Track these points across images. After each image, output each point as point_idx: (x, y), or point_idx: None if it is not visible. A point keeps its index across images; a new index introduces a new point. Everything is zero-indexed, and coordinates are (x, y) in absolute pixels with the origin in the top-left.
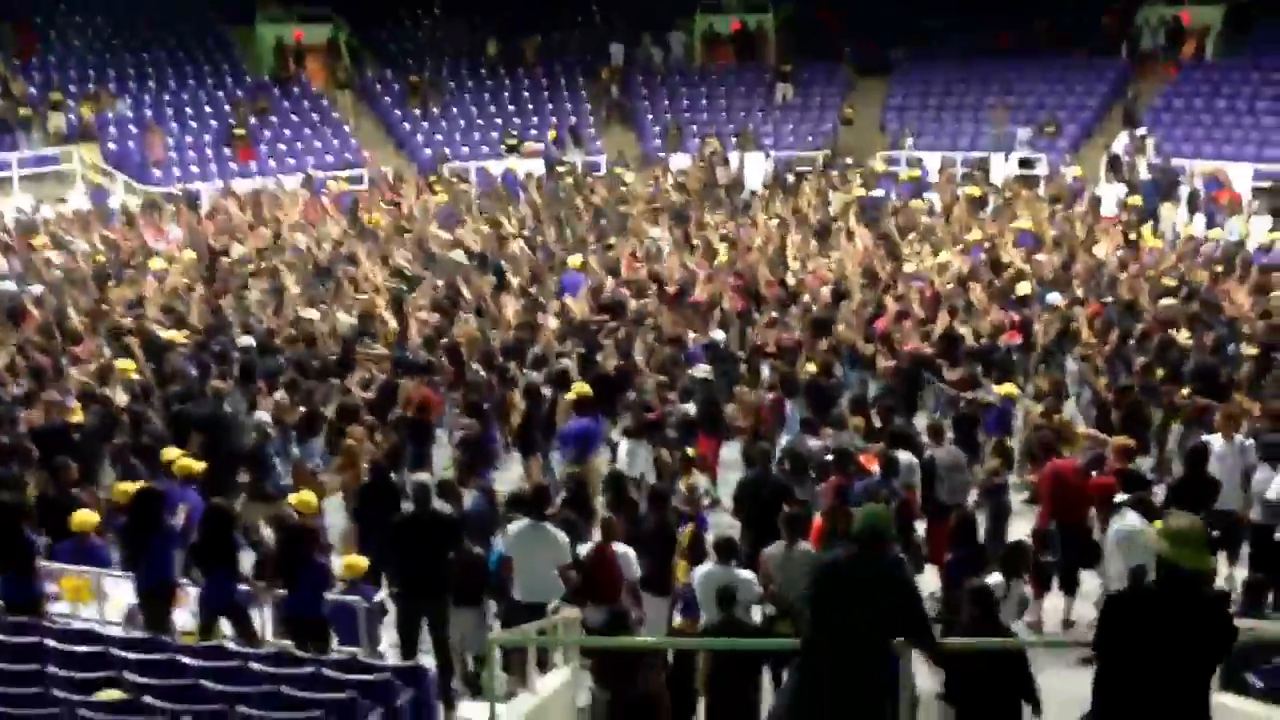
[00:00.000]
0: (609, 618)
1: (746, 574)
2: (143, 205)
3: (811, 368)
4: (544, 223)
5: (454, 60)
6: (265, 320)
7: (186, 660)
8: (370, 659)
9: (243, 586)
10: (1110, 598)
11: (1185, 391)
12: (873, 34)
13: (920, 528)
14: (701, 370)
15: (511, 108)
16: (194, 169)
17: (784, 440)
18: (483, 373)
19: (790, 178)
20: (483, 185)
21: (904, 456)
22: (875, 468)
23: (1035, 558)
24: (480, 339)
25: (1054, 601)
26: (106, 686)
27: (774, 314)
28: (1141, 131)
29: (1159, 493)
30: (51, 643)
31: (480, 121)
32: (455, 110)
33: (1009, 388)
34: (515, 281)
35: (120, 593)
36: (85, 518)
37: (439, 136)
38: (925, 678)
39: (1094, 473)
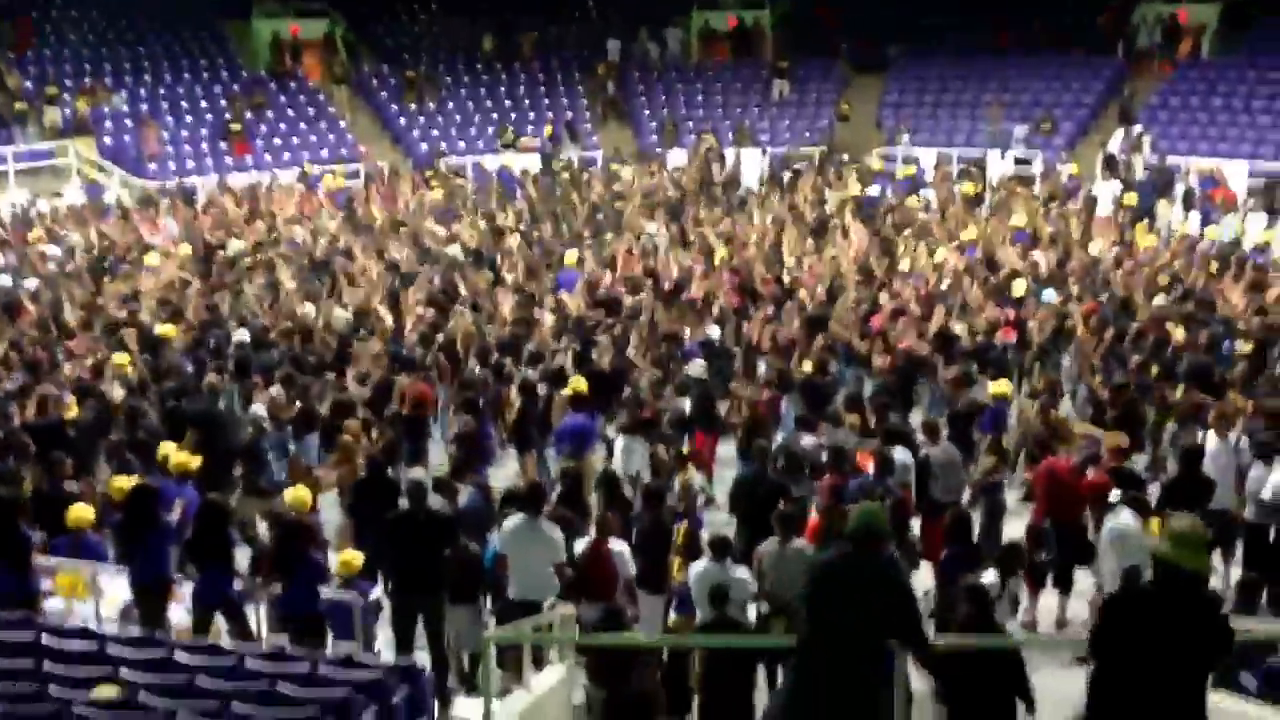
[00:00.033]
0: (604, 615)
1: (742, 572)
2: (138, 200)
3: (807, 365)
4: (540, 218)
5: (450, 55)
6: (261, 315)
7: (182, 657)
8: (366, 656)
9: (237, 583)
10: (1109, 597)
11: (1179, 391)
12: (869, 31)
13: (915, 525)
14: (697, 367)
15: (508, 103)
16: (190, 164)
17: (779, 438)
18: (478, 369)
19: (786, 175)
20: (479, 181)
21: (899, 454)
22: (870, 466)
23: (1030, 556)
24: (476, 335)
25: (1048, 600)
26: (102, 683)
27: (769, 311)
28: (1138, 129)
29: (1153, 491)
30: (47, 639)
31: (476, 117)
32: (451, 105)
33: (1003, 386)
34: (510, 278)
35: (116, 589)
36: (81, 513)
37: (435, 132)
38: (920, 676)
39: (1089, 471)
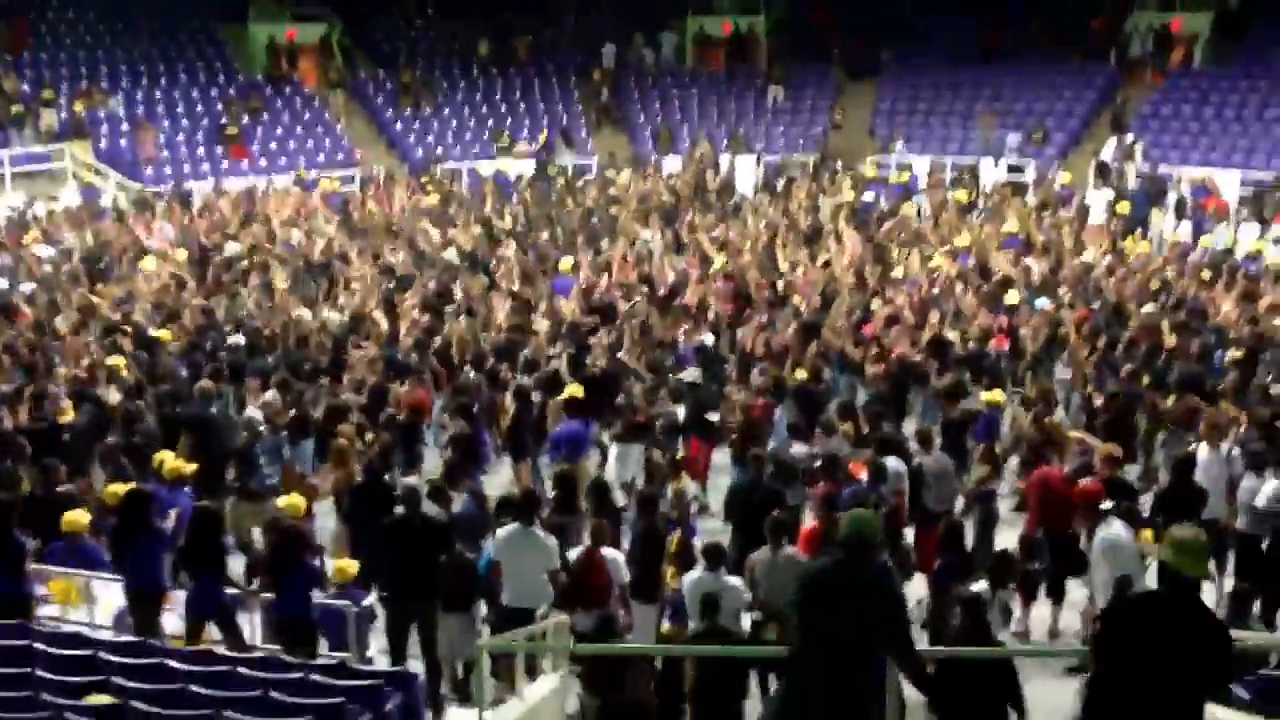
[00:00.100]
0: (598, 623)
1: (735, 581)
2: (134, 202)
3: (800, 373)
4: (535, 224)
5: (446, 60)
6: (257, 318)
7: (175, 665)
8: (359, 664)
9: (231, 590)
10: (1112, 604)
11: (1170, 400)
12: (864, 38)
13: (908, 535)
14: (691, 374)
15: (503, 108)
16: (186, 167)
17: (771, 445)
18: (473, 374)
19: (781, 181)
20: (474, 186)
21: (892, 463)
22: (863, 474)
23: (1023, 566)
24: (471, 340)
25: (1040, 611)
26: (95, 691)
27: (763, 318)
28: (1130, 138)
29: (1146, 501)
30: (40, 646)
31: (472, 122)
32: (447, 110)
33: (996, 394)
34: (505, 283)
35: (110, 596)
36: (76, 518)
37: (430, 137)
38: (913, 686)
39: (1081, 480)
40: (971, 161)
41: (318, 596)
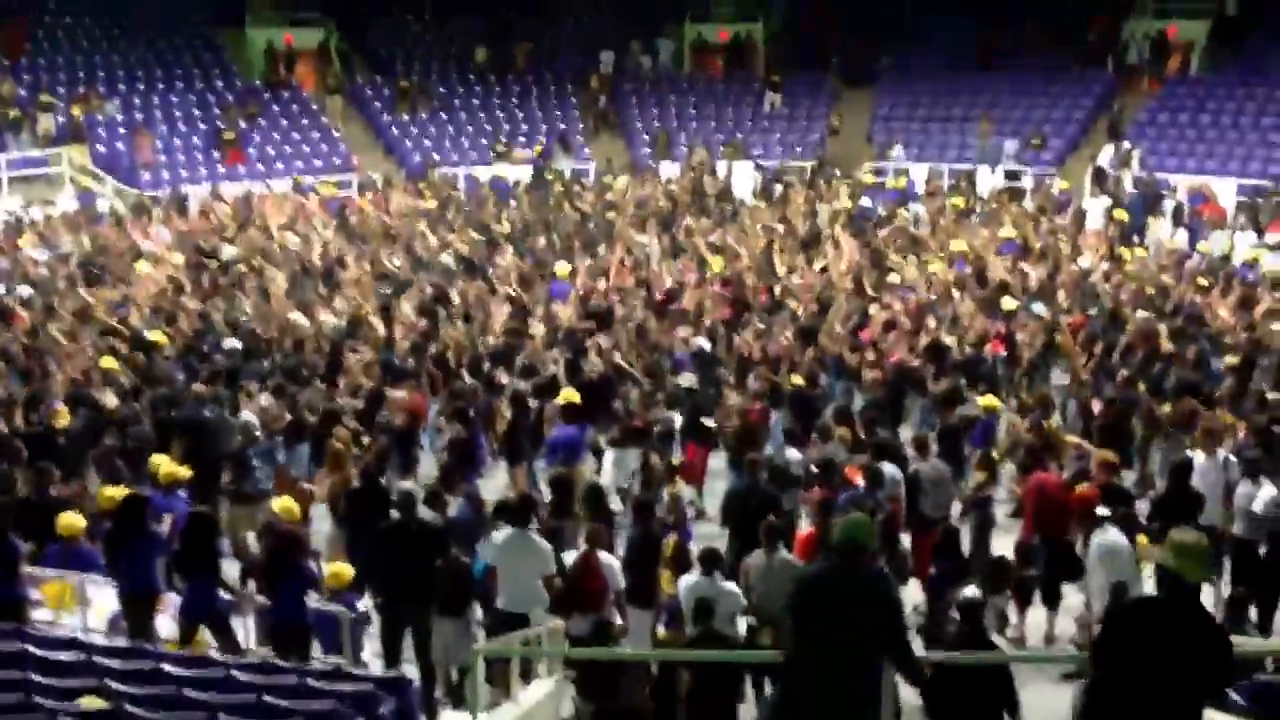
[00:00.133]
0: (593, 628)
1: (730, 586)
2: (131, 207)
3: (797, 378)
4: (533, 229)
5: (444, 66)
6: (254, 322)
7: (169, 668)
8: (353, 668)
9: (225, 595)
10: (1114, 608)
11: (1166, 407)
12: (864, 39)
13: (905, 541)
14: (687, 379)
15: (500, 114)
16: (183, 172)
17: (768, 451)
18: (469, 379)
19: (778, 188)
20: (472, 191)
21: (889, 469)
22: (860, 480)
23: (1019, 572)
24: (468, 345)
25: (1036, 616)
26: (89, 694)
27: (760, 325)
28: (1127, 145)
29: (1142, 508)
30: (34, 649)
31: (469, 127)
32: (445, 116)
33: (992, 400)
34: (502, 289)
35: (104, 599)
36: (72, 521)
37: (428, 142)
38: (910, 690)
39: (1078, 486)
40: (969, 168)
41: (312, 601)
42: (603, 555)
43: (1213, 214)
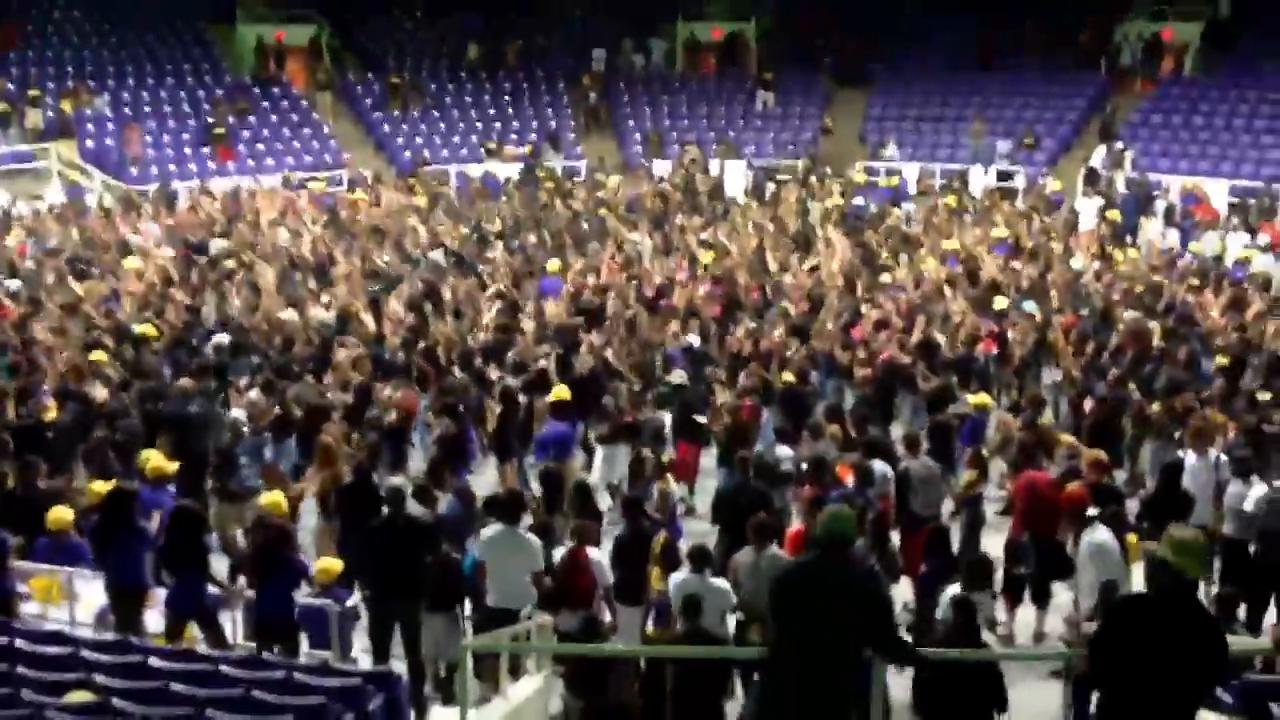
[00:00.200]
0: (582, 624)
1: (719, 583)
2: (119, 200)
3: (788, 376)
4: (524, 226)
5: (435, 63)
6: (243, 317)
7: (157, 663)
8: (342, 663)
9: (213, 589)
10: (1113, 604)
11: (1156, 406)
12: (862, 37)
13: (895, 539)
14: (677, 376)
15: (492, 111)
16: (172, 168)
17: (758, 449)
18: (459, 374)
19: (770, 186)
20: (462, 188)
21: (879, 467)
22: (850, 478)
23: (1008, 570)
24: (458, 340)
25: (1025, 614)
26: (76, 688)
27: (751, 322)
28: (1120, 146)
29: (1132, 507)
30: (21, 643)
31: (460, 125)
32: (435, 113)
33: (983, 398)
34: (492, 285)
35: (91, 594)
36: (62, 515)
37: (419, 139)
38: (898, 688)
39: (1067, 485)
40: (961, 168)
41: (301, 595)
42: (591, 551)
43: (1205, 215)
